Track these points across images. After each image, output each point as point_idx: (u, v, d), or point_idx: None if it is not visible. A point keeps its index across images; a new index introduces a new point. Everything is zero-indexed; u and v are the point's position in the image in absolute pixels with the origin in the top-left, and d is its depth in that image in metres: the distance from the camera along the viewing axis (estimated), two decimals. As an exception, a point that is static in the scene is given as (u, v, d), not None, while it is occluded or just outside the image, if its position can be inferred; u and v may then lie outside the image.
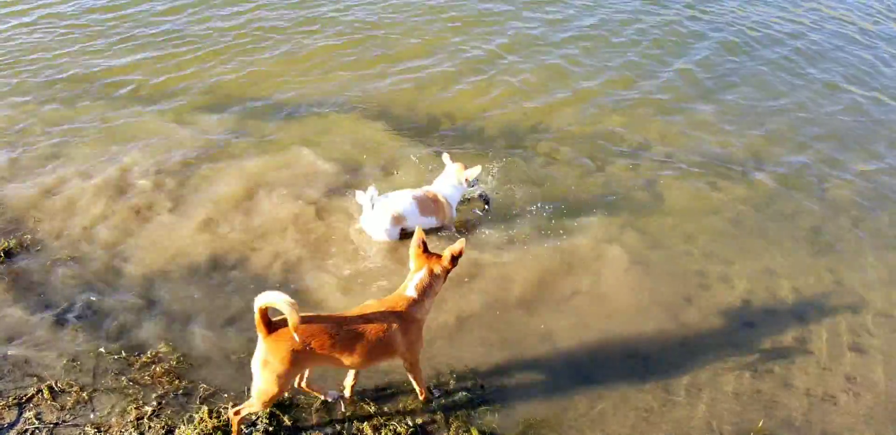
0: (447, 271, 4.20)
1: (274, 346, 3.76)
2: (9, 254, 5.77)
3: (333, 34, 9.82)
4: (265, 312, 3.68)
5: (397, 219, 5.81)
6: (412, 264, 4.21)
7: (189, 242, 5.99)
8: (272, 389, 3.88)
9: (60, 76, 8.67)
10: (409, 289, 4.12)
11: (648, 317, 5.44)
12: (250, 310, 5.10)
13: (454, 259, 4.16)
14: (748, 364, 5.07)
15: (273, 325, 3.78)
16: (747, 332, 5.38)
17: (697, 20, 10.93)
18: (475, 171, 6.04)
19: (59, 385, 4.62)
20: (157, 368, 4.76)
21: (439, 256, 4.17)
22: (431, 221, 6.00)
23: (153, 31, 9.76)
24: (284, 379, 3.88)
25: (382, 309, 4.04)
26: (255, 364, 3.87)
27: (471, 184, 6.18)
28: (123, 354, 4.88)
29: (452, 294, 5.48)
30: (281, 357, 3.77)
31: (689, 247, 6.23)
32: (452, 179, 6.12)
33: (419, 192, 5.99)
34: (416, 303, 4.09)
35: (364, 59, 9.27)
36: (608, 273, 5.86)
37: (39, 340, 4.99)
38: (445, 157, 6.29)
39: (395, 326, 3.99)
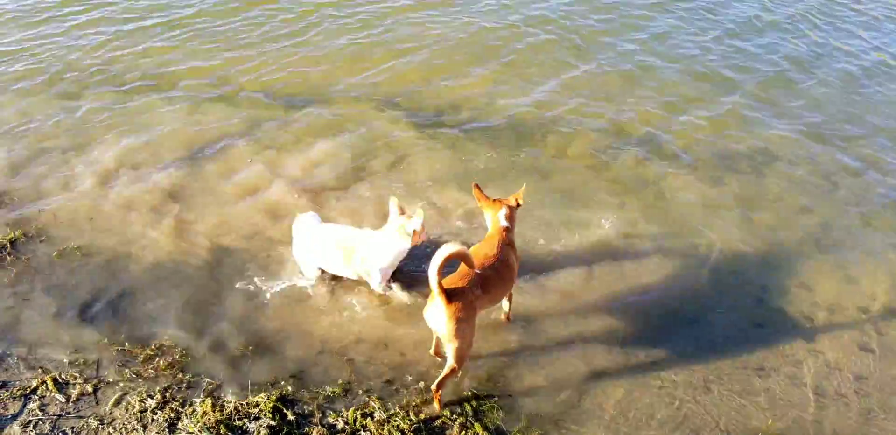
0: (517, 207, 4.90)
1: (458, 301, 4.10)
2: (14, 244, 5.76)
3: (347, 25, 9.76)
4: (442, 272, 3.97)
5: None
6: (487, 209, 4.86)
7: (196, 236, 5.96)
8: (469, 340, 4.25)
9: (64, 66, 8.67)
10: (502, 221, 4.75)
11: (656, 315, 5.37)
12: (256, 305, 5.21)
13: (518, 203, 4.89)
14: (757, 363, 5.00)
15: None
16: (756, 331, 5.31)
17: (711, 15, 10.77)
18: (418, 221, 4.92)
19: (62, 377, 4.62)
20: (161, 361, 4.75)
21: (498, 200, 4.86)
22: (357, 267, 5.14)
23: (165, 19, 9.74)
24: (473, 328, 4.27)
25: (496, 241, 4.64)
26: (447, 325, 4.11)
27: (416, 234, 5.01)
28: (127, 346, 4.87)
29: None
30: (467, 309, 4.15)
31: (697, 243, 6.15)
32: (395, 238, 5.02)
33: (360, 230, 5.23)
34: (509, 230, 4.76)
35: (373, 48, 9.21)
36: (617, 268, 5.79)
37: (43, 331, 4.99)
38: (393, 204, 5.09)
39: (510, 250, 4.70)
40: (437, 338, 4.63)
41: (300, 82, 8.49)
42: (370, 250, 5.05)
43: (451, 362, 4.28)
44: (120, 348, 4.85)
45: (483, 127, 7.70)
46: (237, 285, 5.42)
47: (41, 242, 5.82)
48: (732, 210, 6.59)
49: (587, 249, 5.96)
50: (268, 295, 5.33)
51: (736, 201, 6.71)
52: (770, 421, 4.56)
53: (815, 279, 5.82)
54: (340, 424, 4.31)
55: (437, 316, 4.15)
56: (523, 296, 5.38)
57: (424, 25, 9.83)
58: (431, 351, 4.86)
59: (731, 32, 10.18)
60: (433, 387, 4.40)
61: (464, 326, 4.14)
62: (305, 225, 5.29)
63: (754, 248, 6.12)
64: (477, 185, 4.86)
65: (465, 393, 4.61)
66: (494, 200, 4.87)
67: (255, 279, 5.45)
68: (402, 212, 5.05)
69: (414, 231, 4.93)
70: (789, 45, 9.91)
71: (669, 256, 5.97)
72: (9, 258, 5.62)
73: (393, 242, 5.02)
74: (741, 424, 4.55)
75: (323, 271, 5.38)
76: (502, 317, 5.18)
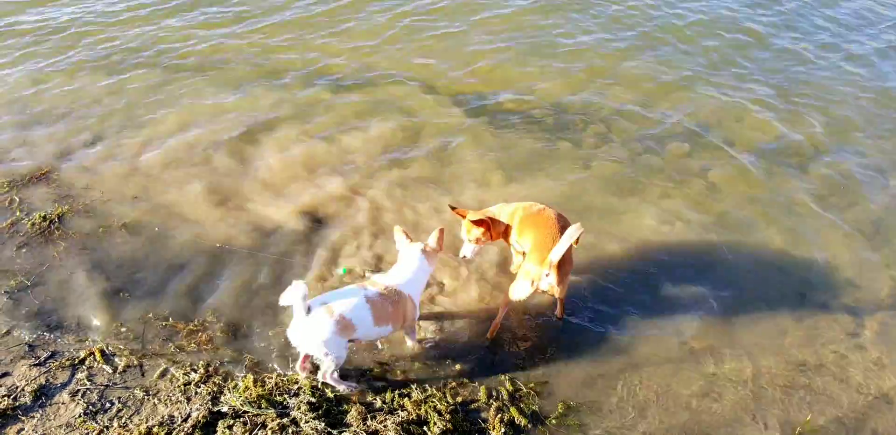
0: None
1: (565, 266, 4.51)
2: (61, 219, 5.89)
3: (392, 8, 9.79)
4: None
5: (344, 326, 4.13)
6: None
7: (242, 216, 6.05)
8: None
9: (114, 46, 8.81)
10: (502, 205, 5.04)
11: (697, 306, 5.34)
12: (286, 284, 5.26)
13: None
14: (798, 358, 4.96)
15: None
16: (798, 322, 5.25)
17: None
18: (435, 235, 4.69)
19: (110, 349, 4.74)
20: (204, 336, 4.85)
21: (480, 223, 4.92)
22: (386, 330, 4.45)
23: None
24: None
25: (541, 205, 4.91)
26: (560, 285, 4.55)
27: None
28: (171, 321, 4.98)
29: (502, 279, 5.48)
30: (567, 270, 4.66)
31: (741, 235, 6.08)
32: (416, 263, 4.57)
33: (372, 289, 4.35)
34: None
35: (417, 33, 9.22)
36: (658, 259, 5.76)
37: (91, 304, 5.11)
38: (398, 234, 4.71)
39: None
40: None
41: (345, 65, 8.55)
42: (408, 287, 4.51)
43: (562, 297, 4.90)
44: (164, 323, 4.96)
45: (524, 114, 7.67)
46: (280, 265, 5.50)
47: (87, 217, 5.95)
48: (775, 201, 6.49)
49: (628, 239, 5.93)
50: (311, 274, 5.39)
51: (782, 192, 6.61)
52: (809, 417, 4.52)
53: (862, 275, 5.73)
54: (378, 403, 4.36)
55: (552, 279, 4.42)
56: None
57: (471, 7, 9.81)
58: (492, 331, 4.91)
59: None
60: (559, 315, 5.06)
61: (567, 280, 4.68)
62: (302, 294, 4.06)
63: (798, 240, 6.03)
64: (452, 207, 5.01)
65: (501, 377, 4.63)
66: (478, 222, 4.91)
67: (298, 258, 5.53)
68: (409, 238, 4.67)
69: (436, 247, 4.68)
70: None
71: (713, 247, 5.91)
72: (57, 232, 5.76)
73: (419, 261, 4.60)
74: (780, 418, 4.52)
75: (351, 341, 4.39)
76: (557, 314, 5.15)
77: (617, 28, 9.61)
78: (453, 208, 4.98)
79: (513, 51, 8.95)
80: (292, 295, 4.01)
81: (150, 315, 5.02)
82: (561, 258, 4.34)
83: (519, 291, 4.61)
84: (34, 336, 4.83)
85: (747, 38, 9.60)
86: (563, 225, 4.66)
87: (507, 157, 6.85)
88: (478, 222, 4.87)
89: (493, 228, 4.94)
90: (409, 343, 4.79)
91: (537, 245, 4.59)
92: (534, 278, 4.50)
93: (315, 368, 4.41)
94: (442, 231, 4.73)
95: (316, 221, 6.00)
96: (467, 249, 5.04)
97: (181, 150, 6.88)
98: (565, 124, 7.50)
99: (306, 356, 4.41)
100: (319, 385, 4.42)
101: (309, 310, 4.07)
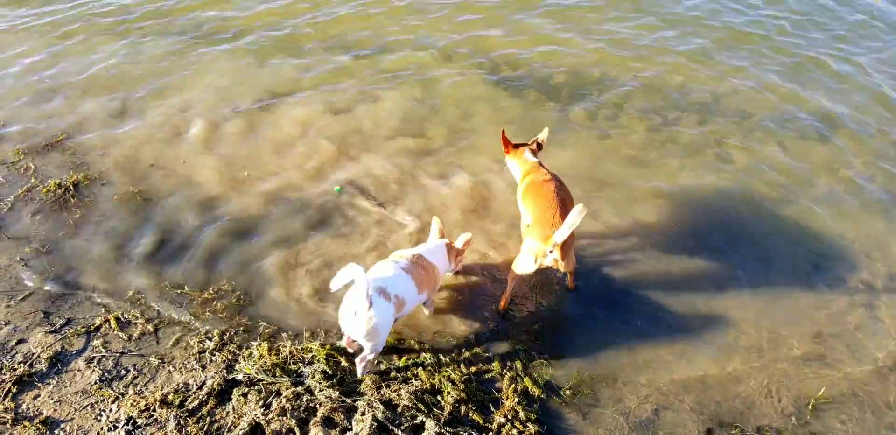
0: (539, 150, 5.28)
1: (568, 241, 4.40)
2: (77, 187, 5.88)
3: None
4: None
5: (399, 306, 4.12)
6: (511, 156, 5.24)
7: (260, 186, 6.02)
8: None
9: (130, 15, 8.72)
10: (531, 157, 5.15)
11: (712, 278, 5.28)
12: (314, 251, 5.26)
13: (538, 144, 5.28)
14: (813, 330, 4.91)
15: None
16: (813, 297, 5.19)
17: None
18: (464, 239, 4.85)
19: (125, 316, 4.76)
20: (219, 305, 4.86)
21: (522, 145, 5.26)
22: (423, 298, 4.52)
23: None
24: None
25: (544, 169, 5.01)
26: (567, 258, 4.52)
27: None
28: (187, 289, 4.98)
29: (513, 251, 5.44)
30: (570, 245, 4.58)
31: (757, 207, 5.98)
32: (440, 251, 4.71)
33: (402, 260, 4.39)
34: (542, 164, 5.11)
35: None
36: (673, 230, 5.69)
37: (106, 272, 5.13)
38: (435, 226, 4.90)
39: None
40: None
41: (364, 33, 8.42)
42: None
43: (571, 271, 4.88)
44: (179, 291, 4.96)
45: (540, 82, 7.53)
46: (297, 236, 5.49)
47: (103, 185, 5.94)
48: (790, 176, 6.37)
49: (644, 210, 5.85)
50: (328, 247, 5.38)
51: (797, 167, 6.49)
52: (823, 389, 4.48)
53: (875, 246, 5.64)
54: (393, 373, 4.37)
55: (556, 255, 4.38)
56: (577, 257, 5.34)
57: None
58: (503, 303, 4.88)
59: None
60: (570, 285, 5.07)
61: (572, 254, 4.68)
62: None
63: (815, 213, 5.93)
64: (503, 130, 5.22)
65: (516, 347, 4.62)
66: (517, 145, 5.23)
67: (313, 232, 5.52)
68: (442, 235, 4.84)
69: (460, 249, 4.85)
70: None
71: (725, 219, 5.83)
72: (72, 200, 5.76)
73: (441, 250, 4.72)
74: (793, 390, 4.49)
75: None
76: (568, 283, 5.13)
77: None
78: (504, 136, 5.21)
79: (527, 16, 8.77)
80: (349, 278, 3.72)
81: (166, 283, 5.03)
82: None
83: (523, 266, 4.57)
84: (49, 303, 4.86)
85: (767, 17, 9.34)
86: (562, 198, 4.65)
87: (522, 127, 6.75)
88: (507, 144, 5.22)
89: (512, 156, 5.26)
90: (427, 312, 4.81)
91: (538, 220, 4.56)
92: (537, 255, 4.45)
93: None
94: (469, 240, 4.85)
95: (336, 191, 5.95)
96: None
97: (199, 118, 6.81)
98: (581, 94, 7.35)
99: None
100: (339, 358, 4.43)
101: (370, 302, 3.82)
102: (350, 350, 4.50)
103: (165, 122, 6.74)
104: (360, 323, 3.89)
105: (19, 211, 5.65)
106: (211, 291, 4.97)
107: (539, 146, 5.26)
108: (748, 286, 5.22)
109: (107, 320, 4.72)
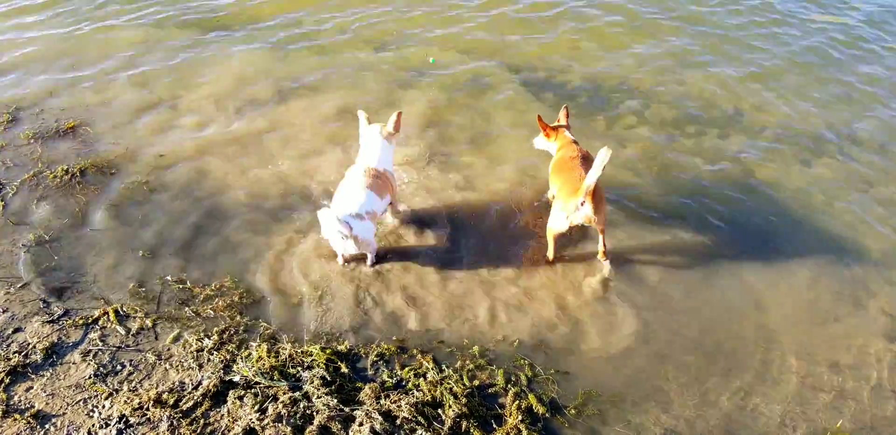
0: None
1: (599, 193, 4.72)
2: (84, 174, 5.79)
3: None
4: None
5: (373, 217, 4.86)
6: (551, 137, 5.48)
7: (262, 178, 5.90)
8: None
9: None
10: (568, 135, 5.42)
11: (729, 300, 5.12)
12: (317, 249, 5.14)
13: (567, 118, 5.58)
14: (832, 359, 4.72)
15: None
16: (831, 324, 5.01)
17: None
18: (394, 118, 5.18)
19: (124, 309, 4.66)
20: (220, 302, 4.74)
21: (557, 126, 5.50)
22: (387, 201, 5.10)
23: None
24: None
25: (576, 146, 5.27)
26: (600, 214, 4.78)
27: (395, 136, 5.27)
28: (189, 284, 4.87)
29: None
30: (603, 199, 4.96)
31: (781, 223, 5.81)
32: (378, 143, 5.09)
33: (358, 176, 4.92)
34: (576, 141, 5.37)
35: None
36: (689, 246, 5.53)
37: (108, 262, 5.03)
38: (362, 116, 5.22)
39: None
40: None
41: (379, 29, 8.32)
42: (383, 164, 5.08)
43: (602, 229, 5.03)
44: (181, 286, 4.86)
45: (558, 88, 7.38)
46: (306, 233, 5.37)
47: (111, 174, 5.85)
48: (812, 194, 6.18)
49: (661, 225, 5.69)
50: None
51: (819, 183, 6.30)
52: (840, 422, 4.31)
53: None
54: (393, 382, 4.24)
55: (587, 209, 4.63)
56: (589, 268, 5.21)
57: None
58: (551, 255, 5.16)
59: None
60: (601, 255, 5.19)
61: (604, 208, 4.95)
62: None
63: (833, 235, 5.75)
64: (540, 116, 5.41)
65: (521, 361, 4.48)
66: (555, 127, 5.49)
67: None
68: (370, 122, 5.21)
69: (392, 130, 5.19)
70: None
71: (750, 234, 5.65)
72: (78, 187, 5.68)
73: (381, 143, 5.11)
74: (808, 421, 4.32)
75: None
76: (599, 256, 5.22)
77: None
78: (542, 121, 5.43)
79: (549, 21, 8.62)
80: (328, 222, 4.55)
81: (168, 277, 4.93)
82: (594, 189, 4.54)
83: (556, 224, 4.87)
84: (49, 292, 4.77)
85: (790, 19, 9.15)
86: (586, 168, 4.76)
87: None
88: (545, 128, 5.46)
89: (552, 140, 5.50)
90: (392, 219, 5.41)
91: (565, 182, 4.91)
92: (567, 211, 4.71)
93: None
94: (399, 114, 5.19)
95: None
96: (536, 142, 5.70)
97: (213, 109, 6.73)
98: (601, 101, 7.20)
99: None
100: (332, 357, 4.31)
101: (342, 235, 4.58)
102: (344, 261, 5.05)
103: (181, 112, 6.66)
104: (351, 245, 4.70)
105: (25, 196, 5.57)
106: (213, 287, 4.86)
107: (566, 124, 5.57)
108: (766, 308, 5.05)
109: (105, 313, 4.62)
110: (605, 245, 5.18)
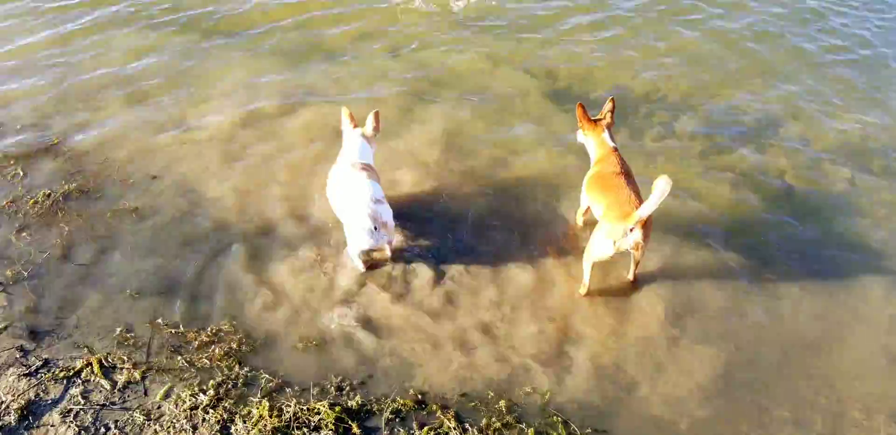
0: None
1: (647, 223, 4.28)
2: (68, 198, 5.31)
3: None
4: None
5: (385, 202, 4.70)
6: (588, 132, 4.96)
7: (264, 204, 5.39)
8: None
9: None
10: (609, 141, 4.87)
11: (798, 339, 4.64)
12: (325, 290, 4.65)
13: (612, 113, 4.99)
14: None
15: None
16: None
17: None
18: (371, 118, 5.00)
19: (110, 359, 4.18)
20: (217, 350, 4.26)
21: (598, 120, 4.96)
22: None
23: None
24: None
25: (617, 158, 4.75)
26: (642, 242, 4.34)
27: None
28: (182, 328, 4.39)
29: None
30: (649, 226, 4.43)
31: (822, 258, 5.30)
32: (358, 143, 4.95)
33: (349, 170, 4.78)
34: (617, 149, 4.83)
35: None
36: (726, 272, 5.04)
37: (93, 302, 4.55)
38: (345, 114, 5.07)
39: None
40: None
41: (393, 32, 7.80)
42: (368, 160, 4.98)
43: (640, 260, 4.70)
44: (174, 331, 4.37)
45: (583, 99, 6.86)
46: (309, 269, 4.87)
47: (97, 198, 5.37)
48: (861, 215, 5.67)
49: (692, 248, 5.19)
50: (342, 287, 4.77)
51: (864, 202, 5.79)
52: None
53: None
54: (410, 444, 3.78)
55: (637, 235, 4.25)
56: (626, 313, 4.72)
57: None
58: (584, 288, 4.73)
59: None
60: (632, 277, 4.81)
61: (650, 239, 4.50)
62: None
63: (883, 259, 5.26)
64: (581, 105, 4.95)
65: (554, 418, 4.00)
66: (595, 121, 4.94)
67: (328, 265, 4.89)
68: (354, 123, 5.05)
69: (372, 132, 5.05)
70: None
71: (794, 260, 5.15)
72: (61, 214, 5.20)
73: (361, 144, 4.98)
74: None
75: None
76: (630, 277, 4.82)
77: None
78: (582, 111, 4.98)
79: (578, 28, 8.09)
80: (361, 213, 4.44)
81: (159, 320, 4.44)
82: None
83: (599, 250, 4.43)
84: (28, 338, 4.30)
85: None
86: (634, 189, 4.50)
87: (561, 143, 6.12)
88: (583, 120, 4.98)
89: (589, 134, 5.01)
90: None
91: (613, 202, 4.43)
92: (615, 237, 4.29)
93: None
94: (377, 113, 5.01)
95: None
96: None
97: (211, 125, 6.21)
98: (626, 111, 6.68)
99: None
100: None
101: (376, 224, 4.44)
102: (364, 267, 4.81)
103: (176, 128, 6.14)
104: (382, 234, 4.53)
105: (3, 225, 5.09)
106: (209, 332, 4.38)
107: (611, 117, 5.01)
108: (833, 347, 4.57)
109: (89, 364, 4.14)
110: (637, 270, 4.80)
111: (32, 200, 5.26)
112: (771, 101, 7.01)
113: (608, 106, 4.99)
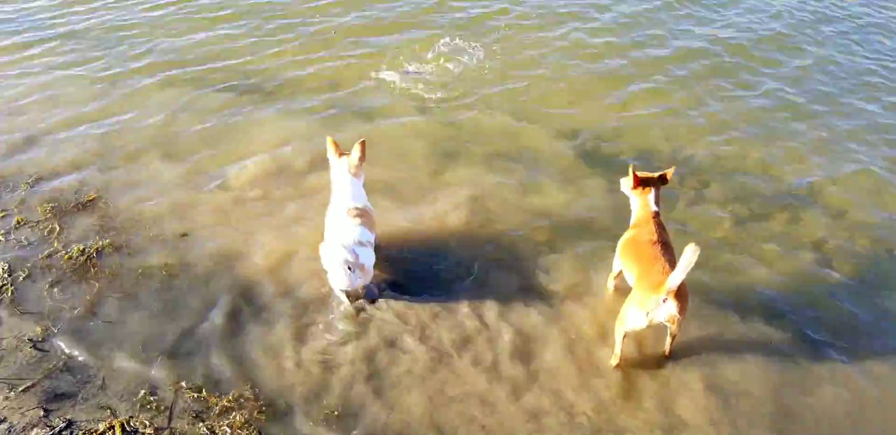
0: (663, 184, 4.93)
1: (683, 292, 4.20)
2: (100, 254, 5.40)
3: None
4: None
5: (370, 245, 4.89)
6: (634, 191, 4.86)
7: (295, 263, 5.41)
8: None
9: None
10: (652, 205, 4.79)
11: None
12: (353, 352, 4.62)
13: (663, 178, 4.88)
14: None
15: None
16: None
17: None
18: (356, 151, 5.13)
19: (132, 423, 4.18)
20: (238, 417, 4.23)
21: (647, 183, 4.83)
22: (374, 236, 5.04)
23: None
24: None
25: (656, 226, 4.67)
26: (681, 314, 4.22)
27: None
28: (204, 392, 4.38)
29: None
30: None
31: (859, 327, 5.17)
32: (347, 180, 5.10)
33: (343, 214, 4.93)
34: (658, 215, 4.78)
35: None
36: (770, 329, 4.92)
37: (119, 362, 4.57)
38: (330, 145, 5.24)
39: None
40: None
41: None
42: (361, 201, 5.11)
43: (676, 334, 4.52)
44: (196, 395, 4.36)
45: (608, 154, 6.89)
46: (344, 342, 4.84)
47: (128, 255, 5.44)
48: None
49: (734, 319, 5.09)
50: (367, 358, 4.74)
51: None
52: None
53: None
54: None
55: (671, 307, 4.12)
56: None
57: (549, 43, 9.02)
58: (616, 359, 4.62)
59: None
60: (668, 352, 4.65)
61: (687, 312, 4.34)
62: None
63: None
64: (634, 168, 4.83)
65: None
66: (644, 180, 4.85)
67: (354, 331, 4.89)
68: (340, 152, 5.20)
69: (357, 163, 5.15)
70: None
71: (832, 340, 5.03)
72: (93, 270, 5.28)
73: (351, 184, 5.11)
74: None
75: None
76: (665, 350, 4.68)
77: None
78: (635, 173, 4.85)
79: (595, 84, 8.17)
80: (334, 253, 4.58)
81: (182, 383, 4.44)
82: (680, 285, 4.05)
83: (632, 322, 4.33)
84: (52, 398, 4.32)
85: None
86: (669, 259, 4.39)
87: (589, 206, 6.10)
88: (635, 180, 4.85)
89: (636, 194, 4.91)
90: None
91: (646, 271, 4.37)
92: (648, 308, 4.18)
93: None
94: (363, 143, 5.14)
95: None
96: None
97: (243, 182, 6.29)
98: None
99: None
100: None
101: (350, 264, 4.59)
102: (348, 299, 4.94)
103: (207, 185, 6.24)
104: (357, 276, 4.70)
105: (37, 280, 5.18)
106: (231, 398, 4.35)
107: (663, 180, 4.91)
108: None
109: (111, 427, 4.14)
110: (672, 345, 4.67)
111: (67, 256, 5.36)
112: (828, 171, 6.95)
113: (668, 172, 4.90)
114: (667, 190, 6.25)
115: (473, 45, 8.54)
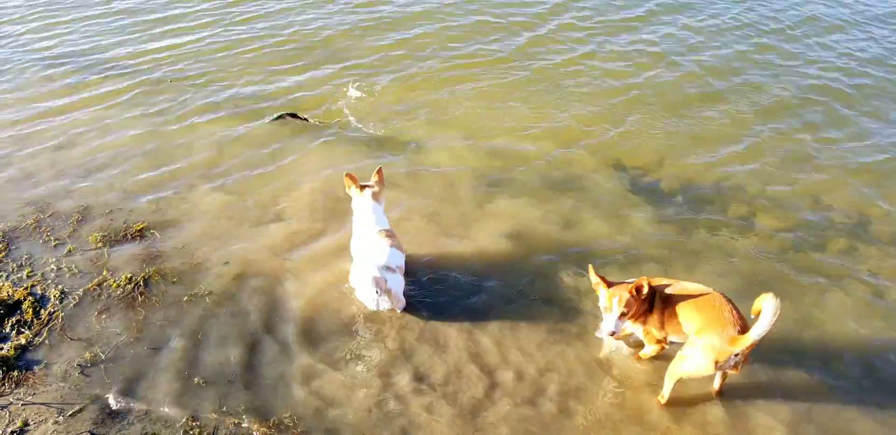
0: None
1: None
2: (147, 283, 5.51)
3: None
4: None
5: (400, 270, 5.03)
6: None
7: (335, 297, 5.44)
8: None
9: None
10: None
11: None
12: (390, 386, 4.59)
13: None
14: None
15: None
16: None
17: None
18: (375, 175, 5.45)
19: (175, 450, 4.21)
20: (277, 445, 4.23)
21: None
22: (404, 257, 5.18)
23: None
24: None
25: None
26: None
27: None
28: (244, 419, 4.40)
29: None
30: None
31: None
32: (370, 207, 5.28)
33: (374, 236, 5.10)
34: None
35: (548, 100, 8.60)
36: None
37: (164, 387, 4.63)
38: (348, 181, 5.42)
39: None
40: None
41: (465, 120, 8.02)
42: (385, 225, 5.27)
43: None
44: (236, 421, 4.38)
45: (650, 188, 6.83)
46: (376, 354, 4.88)
47: (173, 283, 5.54)
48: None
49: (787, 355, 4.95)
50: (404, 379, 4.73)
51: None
52: None
53: None
54: None
55: (740, 359, 4.07)
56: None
57: (588, 74, 9.10)
58: (666, 396, 4.50)
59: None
60: (719, 389, 4.55)
61: None
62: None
63: None
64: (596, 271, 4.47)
65: None
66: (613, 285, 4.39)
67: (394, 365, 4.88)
68: (360, 187, 5.35)
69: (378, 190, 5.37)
70: None
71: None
72: (140, 298, 5.38)
73: (374, 210, 5.27)
74: None
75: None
76: (716, 388, 4.59)
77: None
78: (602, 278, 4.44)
79: (628, 112, 8.16)
80: (365, 276, 4.71)
81: (225, 408, 4.47)
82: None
83: (697, 369, 4.16)
84: (99, 423, 4.38)
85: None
86: (733, 306, 4.21)
87: (633, 241, 6.03)
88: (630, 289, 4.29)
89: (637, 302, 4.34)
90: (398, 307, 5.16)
91: (713, 320, 4.09)
92: (718, 358, 4.02)
93: None
94: (380, 170, 5.44)
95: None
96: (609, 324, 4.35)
97: (290, 214, 6.39)
98: (700, 205, 6.58)
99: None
100: None
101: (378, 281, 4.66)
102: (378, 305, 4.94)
103: (254, 214, 6.36)
104: (385, 300, 4.81)
105: (86, 307, 5.30)
106: (270, 424, 4.37)
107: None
108: None
109: (155, 452, 4.18)
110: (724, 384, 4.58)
111: (115, 284, 5.48)
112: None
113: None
114: (710, 219, 6.20)
115: None
